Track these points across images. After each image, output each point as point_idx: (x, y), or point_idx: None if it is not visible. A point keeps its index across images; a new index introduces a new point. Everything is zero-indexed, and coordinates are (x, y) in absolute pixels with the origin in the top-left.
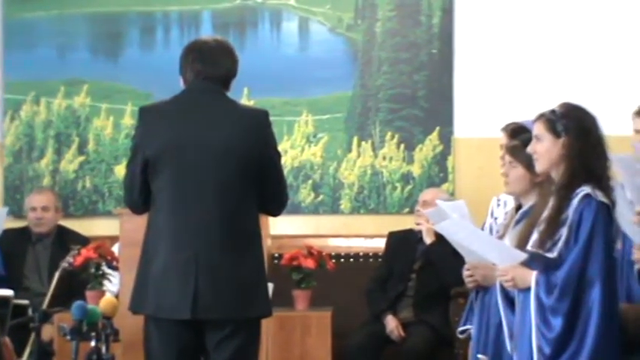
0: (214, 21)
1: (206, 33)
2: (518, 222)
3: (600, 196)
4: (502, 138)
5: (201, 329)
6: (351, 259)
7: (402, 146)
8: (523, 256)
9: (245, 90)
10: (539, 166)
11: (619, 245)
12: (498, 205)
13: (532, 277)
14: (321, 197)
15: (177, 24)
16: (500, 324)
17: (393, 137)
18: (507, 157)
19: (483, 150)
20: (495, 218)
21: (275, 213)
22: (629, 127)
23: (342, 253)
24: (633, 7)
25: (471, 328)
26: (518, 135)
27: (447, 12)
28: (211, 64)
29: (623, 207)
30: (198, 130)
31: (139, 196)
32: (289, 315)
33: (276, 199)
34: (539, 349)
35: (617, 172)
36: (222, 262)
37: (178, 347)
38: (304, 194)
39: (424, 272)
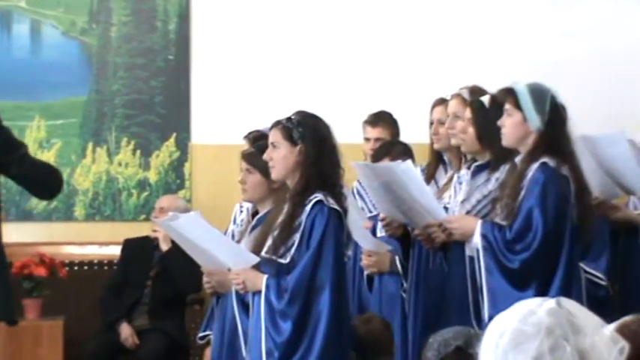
0: None
1: None
2: (254, 228)
3: (332, 203)
4: (245, 145)
5: None
6: (86, 267)
7: (139, 152)
8: (255, 259)
9: None
10: (275, 174)
11: (350, 252)
12: (241, 211)
13: (263, 280)
14: (54, 204)
15: None
16: (235, 329)
17: (129, 143)
18: (244, 165)
19: (221, 156)
20: (237, 225)
21: (44, 198)
22: (360, 135)
23: (76, 261)
24: (363, 17)
25: (212, 334)
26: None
27: (184, 18)
28: None
29: (355, 214)
30: None
31: None
32: (19, 325)
33: (38, 187)
34: (269, 353)
35: (362, 179)
36: None
37: None
38: (36, 201)
39: (160, 279)
